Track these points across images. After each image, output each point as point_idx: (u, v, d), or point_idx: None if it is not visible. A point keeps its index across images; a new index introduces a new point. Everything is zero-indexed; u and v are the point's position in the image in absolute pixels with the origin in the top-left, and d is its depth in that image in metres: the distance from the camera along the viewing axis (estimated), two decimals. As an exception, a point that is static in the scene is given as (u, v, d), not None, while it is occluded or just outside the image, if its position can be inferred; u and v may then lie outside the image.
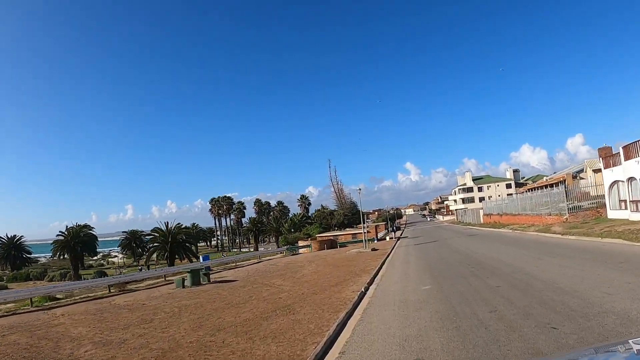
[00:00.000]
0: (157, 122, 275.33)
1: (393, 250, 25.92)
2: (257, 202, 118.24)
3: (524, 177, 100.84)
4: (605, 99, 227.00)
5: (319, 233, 60.34)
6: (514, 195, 41.57)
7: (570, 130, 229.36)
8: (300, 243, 42.57)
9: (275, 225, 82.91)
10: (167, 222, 50.13)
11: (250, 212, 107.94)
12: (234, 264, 30.51)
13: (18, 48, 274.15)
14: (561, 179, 48.83)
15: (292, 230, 70.92)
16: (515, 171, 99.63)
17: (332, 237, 42.35)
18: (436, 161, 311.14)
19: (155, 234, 50.02)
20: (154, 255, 52.60)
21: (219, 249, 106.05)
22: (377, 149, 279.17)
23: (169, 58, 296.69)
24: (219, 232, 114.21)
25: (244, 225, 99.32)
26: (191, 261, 48.81)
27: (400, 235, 47.99)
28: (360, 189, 27.03)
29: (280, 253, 39.80)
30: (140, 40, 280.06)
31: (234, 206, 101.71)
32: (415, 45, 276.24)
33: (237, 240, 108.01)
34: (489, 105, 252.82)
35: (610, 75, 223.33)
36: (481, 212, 53.17)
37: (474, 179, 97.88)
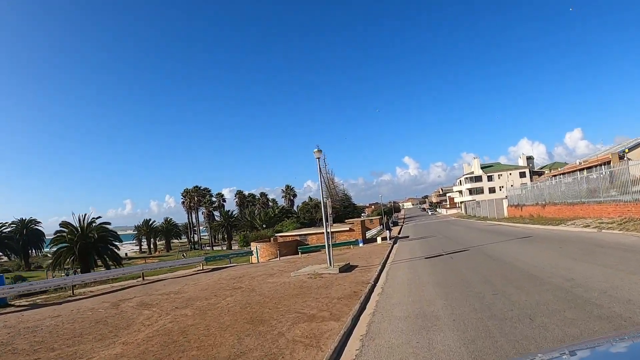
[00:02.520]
0: (156, 117, 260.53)
1: (383, 276, 12.86)
2: (239, 194, 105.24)
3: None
4: (604, 94, 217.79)
5: (296, 229, 47.57)
6: (560, 179, 28.87)
7: (568, 125, 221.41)
8: (253, 245, 29.42)
9: (249, 220, 69.64)
10: (81, 216, 36.98)
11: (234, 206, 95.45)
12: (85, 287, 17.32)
13: (14, 44, 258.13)
14: (603, 161, 36.04)
15: (264, 226, 57.83)
16: (529, 158, 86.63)
17: (298, 238, 29.36)
18: (435, 155, 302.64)
19: (64, 230, 36.81)
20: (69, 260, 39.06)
21: (192, 247, 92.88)
22: (376, 142, 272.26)
23: (172, 58, 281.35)
24: (200, 228, 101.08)
25: (217, 219, 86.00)
26: (108, 267, 35.77)
27: (398, 234, 34.95)
28: (319, 154, 13.76)
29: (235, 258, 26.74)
30: (141, 42, 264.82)
31: (205, 198, 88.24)
32: (413, 40, 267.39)
33: (217, 237, 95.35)
34: (487, 100, 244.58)
35: (609, 69, 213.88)
36: (504, 202, 40.14)
37: (483, 167, 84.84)
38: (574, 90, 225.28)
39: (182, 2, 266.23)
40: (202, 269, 20.59)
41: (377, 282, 10.95)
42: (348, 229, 28.53)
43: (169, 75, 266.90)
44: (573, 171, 34.16)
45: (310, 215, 70.88)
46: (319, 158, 14.47)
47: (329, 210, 14.80)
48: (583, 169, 33.35)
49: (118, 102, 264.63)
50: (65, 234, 36.16)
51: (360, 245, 26.00)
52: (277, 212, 67.17)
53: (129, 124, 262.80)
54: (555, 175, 36.22)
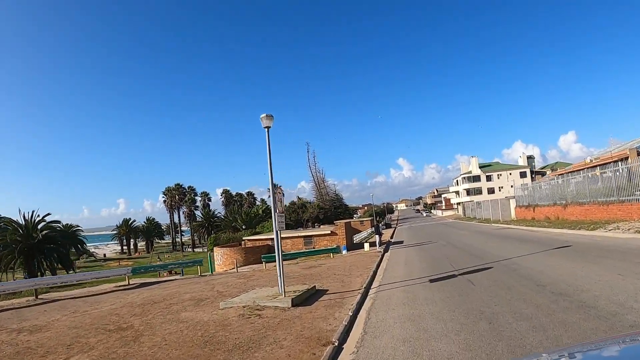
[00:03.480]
0: (149, 117, 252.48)
1: (360, 321, 7.73)
2: (225, 193, 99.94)
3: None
4: (598, 97, 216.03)
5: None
6: (584, 174, 24.07)
7: (562, 128, 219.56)
8: (217, 251, 24.18)
9: (230, 220, 64.22)
10: (27, 213, 31.56)
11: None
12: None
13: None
14: (619, 157, 31.28)
15: (244, 227, 52.62)
16: (530, 157, 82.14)
17: (269, 242, 24.16)
18: (429, 157, 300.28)
19: (8, 228, 31.29)
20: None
21: (174, 247, 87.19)
22: (371, 143, 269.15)
23: (175, 55, 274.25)
24: (183, 228, 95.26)
25: (198, 219, 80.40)
26: (54, 272, 30.38)
27: (390, 238, 30.00)
28: (268, 121, 8.33)
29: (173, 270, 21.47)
30: (141, 48, 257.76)
31: (186, 197, 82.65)
32: (408, 43, 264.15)
33: (203, 238, 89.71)
34: (482, 103, 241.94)
35: (602, 73, 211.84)
36: (511, 203, 35.32)
37: (481, 167, 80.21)
38: (568, 93, 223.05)
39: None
40: (128, 284, 15.31)
41: (346, 339, 5.84)
42: (330, 232, 23.43)
43: (170, 81, 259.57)
44: (585, 168, 29.37)
45: (296, 215, 65.78)
46: (267, 128, 9.27)
47: (279, 208, 9.61)
48: (595, 167, 28.55)
49: (113, 101, 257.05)
50: (8, 232, 30.59)
51: (344, 252, 20.90)
52: (260, 212, 61.81)
53: (124, 123, 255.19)
54: (572, 172, 31.41)
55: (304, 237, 23.70)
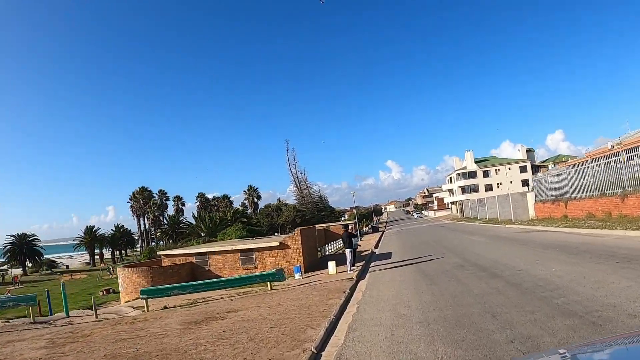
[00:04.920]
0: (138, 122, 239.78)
1: None
2: (200, 197, 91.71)
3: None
4: (585, 96, 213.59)
5: (241, 238, 34.54)
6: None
7: (549, 127, 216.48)
8: (120, 272, 15.89)
9: (195, 225, 55.73)
10: None
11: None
12: None
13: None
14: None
15: (202, 234, 44.37)
16: (529, 151, 75.43)
17: (193, 259, 16.02)
18: (417, 158, 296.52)
19: None
20: None
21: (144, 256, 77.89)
22: (359, 146, 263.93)
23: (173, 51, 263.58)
24: (155, 235, 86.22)
25: (164, 225, 71.48)
26: None
27: (375, 248, 22.34)
28: None
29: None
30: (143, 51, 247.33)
31: (151, 201, 73.90)
32: (393, 43, 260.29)
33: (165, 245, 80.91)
34: (469, 103, 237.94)
35: (590, 72, 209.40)
36: (528, 197, 27.82)
37: (477, 162, 73.10)
38: (554, 92, 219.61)
39: None
40: None
41: None
42: (278, 244, 15.33)
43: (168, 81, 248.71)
44: (611, 154, 22.03)
45: (270, 220, 57.55)
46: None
47: None
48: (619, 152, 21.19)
49: (98, 101, 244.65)
50: None
51: (296, 276, 12.97)
52: (229, 216, 53.50)
53: (110, 126, 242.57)
54: (609, 154, 23.91)
55: (241, 251, 15.50)
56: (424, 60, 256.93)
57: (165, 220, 70.78)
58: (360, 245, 20.14)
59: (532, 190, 27.87)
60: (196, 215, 64.21)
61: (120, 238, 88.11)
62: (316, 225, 51.24)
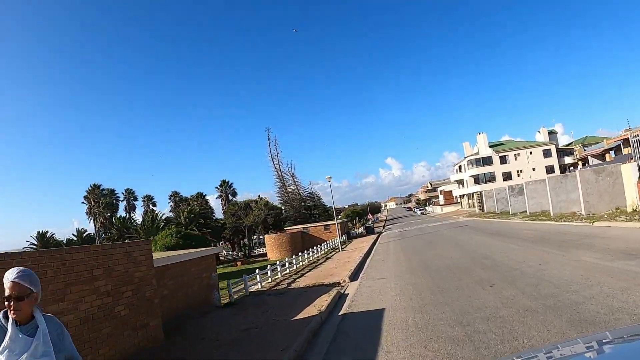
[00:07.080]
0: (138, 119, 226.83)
1: None
2: (174, 196, 79.68)
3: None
4: (582, 90, 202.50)
5: (173, 246, 23.32)
6: None
7: (547, 120, 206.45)
8: None
9: (142, 229, 43.78)
10: None
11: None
12: None
13: None
14: None
15: (138, 238, 32.24)
16: (552, 133, 63.44)
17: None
18: (418, 154, 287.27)
19: None
20: None
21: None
22: (360, 144, 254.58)
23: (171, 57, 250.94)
24: (104, 240, 74.51)
25: (115, 227, 59.36)
26: None
27: (366, 256, 10.03)
28: None
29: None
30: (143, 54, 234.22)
31: (101, 200, 61.85)
32: (391, 42, 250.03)
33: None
34: (467, 97, 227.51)
35: (586, 64, 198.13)
36: (627, 172, 15.73)
37: (492, 146, 61.10)
38: (550, 87, 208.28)
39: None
40: None
41: None
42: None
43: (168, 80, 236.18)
44: None
45: (236, 220, 45.54)
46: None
47: None
48: None
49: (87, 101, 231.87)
50: None
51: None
52: (159, 218, 41.70)
53: (98, 126, 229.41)
54: None
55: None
56: (424, 58, 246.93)
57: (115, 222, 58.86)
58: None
59: (633, 160, 15.90)
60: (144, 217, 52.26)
61: (81, 244, 76.14)
62: (294, 227, 39.33)
